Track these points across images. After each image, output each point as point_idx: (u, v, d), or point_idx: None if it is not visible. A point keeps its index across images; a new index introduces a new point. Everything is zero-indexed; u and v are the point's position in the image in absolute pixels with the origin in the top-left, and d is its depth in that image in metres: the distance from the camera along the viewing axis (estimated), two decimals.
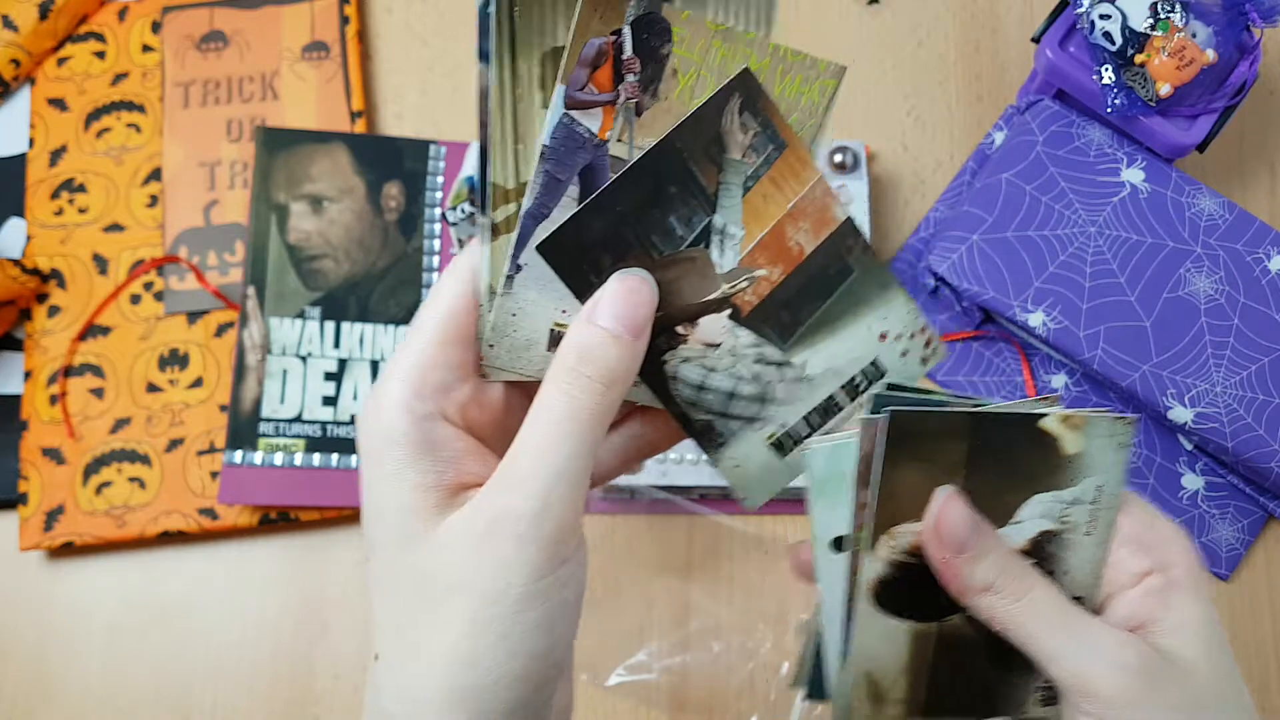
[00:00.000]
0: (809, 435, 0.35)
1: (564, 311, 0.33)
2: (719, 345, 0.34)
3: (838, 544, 0.33)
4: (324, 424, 0.66)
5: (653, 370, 0.34)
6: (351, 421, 0.67)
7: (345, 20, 0.73)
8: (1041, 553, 0.33)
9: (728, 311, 0.34)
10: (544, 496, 0.29)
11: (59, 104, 0.73)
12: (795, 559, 0.38)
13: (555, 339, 0.33)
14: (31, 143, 0.72)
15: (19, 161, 0.72)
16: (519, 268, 0.32)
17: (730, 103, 0.32)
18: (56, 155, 0.72)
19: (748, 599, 0.65)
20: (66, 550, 0.67)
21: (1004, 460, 0.32)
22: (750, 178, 0.32)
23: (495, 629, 0.29)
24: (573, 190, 0.32)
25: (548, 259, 0.32)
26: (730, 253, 0.33)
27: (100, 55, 0.74)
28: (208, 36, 0.73)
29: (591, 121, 0.31)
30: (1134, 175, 0.64)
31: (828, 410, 0.35)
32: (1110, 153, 0.65)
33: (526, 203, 0.32)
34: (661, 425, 0.37)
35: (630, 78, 0.31)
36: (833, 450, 0.32)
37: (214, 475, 0.67)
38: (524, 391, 0.34)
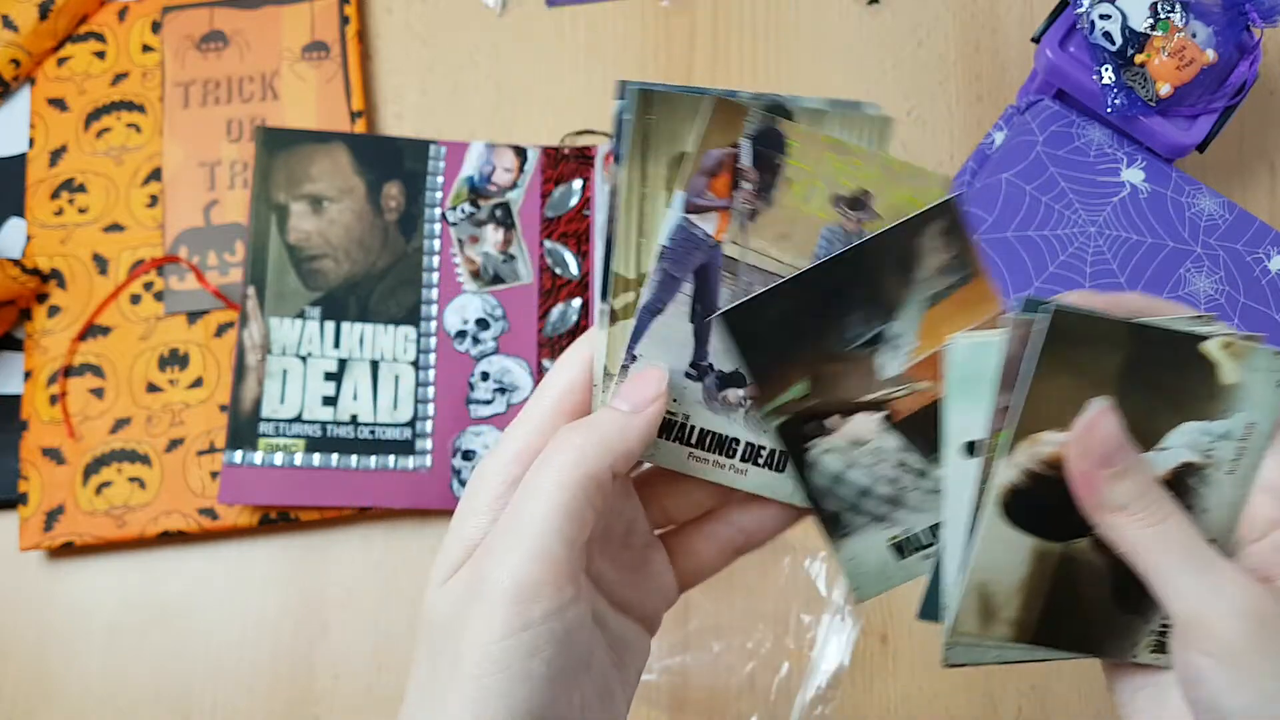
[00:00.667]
0: (930, 545, 0.36)
1: (674, 401, 0.35)
2: (865, 443, 0.35)
3: (970, 448, 0.33)
4: (324, 424, 0.66)
5: (796, 453, 0.35)
6: (352, 421, 0.67)
7: (345, 20, 0.73)
8: (1181, 485, 0.32)
9: (882, 414, 0.35)
10: (506, 550, 0.30)
11: (59, 104, 0.73)
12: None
13: (665, 425, 0.35)
14: (31, 143, 0.72)
15: (19, 161, 0.72)
16: (634, 358, 0.34)
17: (931, 225, 0.33)
18: (56, 155, 0.72)
19: (748, 599, 0.65)
20: (66, 550, 0.67)
21: (1158, 380, 0.32)
22: (934, 296, 0.34)
23: (462, 691, 0.29)
24: (687, 287, 0.34)
25: (729, 327, 0.34)
26: (897, 361, 0.35)
27: (100, 55, 0.74)
28: (208, 36, 0.73)
29: (708, 224, 0.34)
30: (1134, 175, 0.64)
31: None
32: (1110, 153, 0.65)
33: (644, 297, 0.34)
34: (764, 517, 0.37)
35: (746, 185, 0.33)
36: (976, 347, 0.32)
37: (214, 475, 0.67)
38: (624, 480, 0.36)
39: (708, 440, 0.35)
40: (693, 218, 0.34)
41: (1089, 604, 0.34)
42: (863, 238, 0.34)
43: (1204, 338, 0.31)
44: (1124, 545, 0.31)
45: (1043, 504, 0.32)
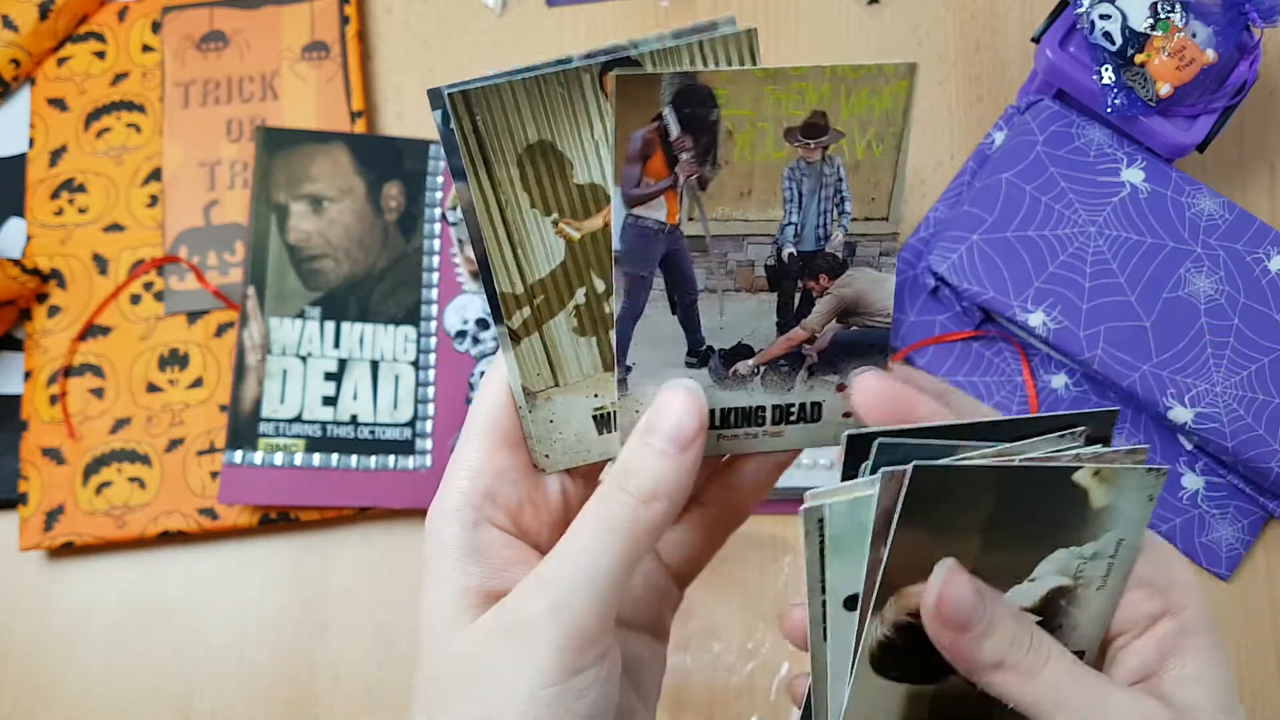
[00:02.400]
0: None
1: (596, 395, 0.34)
2: None
3: (851, 602, 0.31)
4: (324, 424, 0.66)
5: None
6: (352, 421, 0.67)
7: (345, 20, 0.73)
8: (1052, 608, 0.31)
9: None
10: (559, 599, 0.29)
11: (59, 104, 0.73)
12: (788, 622, 0.36)
13: (602, 422, 0.34)
14: (31, 143, 0.72)
15: (19, 161, 0.72)
16: (629, 369, 0.32)
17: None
18: (56, 155, 0.72)
19: (748, 599, 0.65)
20: (66, 550, 0.67)
21: (1028, 516, 0.30)
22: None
23: None
24: (658, 282, 0.31)
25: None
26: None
27: (100, 55, 0.74)
28: (208, 36, 0.73)
29: (656, 212, 0.31)
30: (1134, 175, 0.64)
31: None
32: (1110, 153, 0.65)
33: (617, 308, 0.31)
34: (727, 492, 0.36)
35: (685, 156, 0.30)
36: (852, 505, 0.30)
37: (214, 475, 0.67)
38: (585, 487, 0.35)
39: (733, 417, 0.33)
40: (638, 211, 0.30)
41: None
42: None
43: (1075, 469, 0.29)
44: (1012, 702, 0.31)
45: (913, 653, 0.31)
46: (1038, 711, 0.30)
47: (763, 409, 0.33)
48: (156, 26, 0.74)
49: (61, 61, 0.74)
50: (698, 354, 0.33)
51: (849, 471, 0.30)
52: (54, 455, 0.67)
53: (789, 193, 0.31)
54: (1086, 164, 0.64)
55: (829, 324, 0.33)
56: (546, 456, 0.34)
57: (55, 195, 0.71)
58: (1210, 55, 0.61)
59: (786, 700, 0.63)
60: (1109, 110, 0.63)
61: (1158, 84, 0.62)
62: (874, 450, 0.30)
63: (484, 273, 0.32)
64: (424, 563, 0.33)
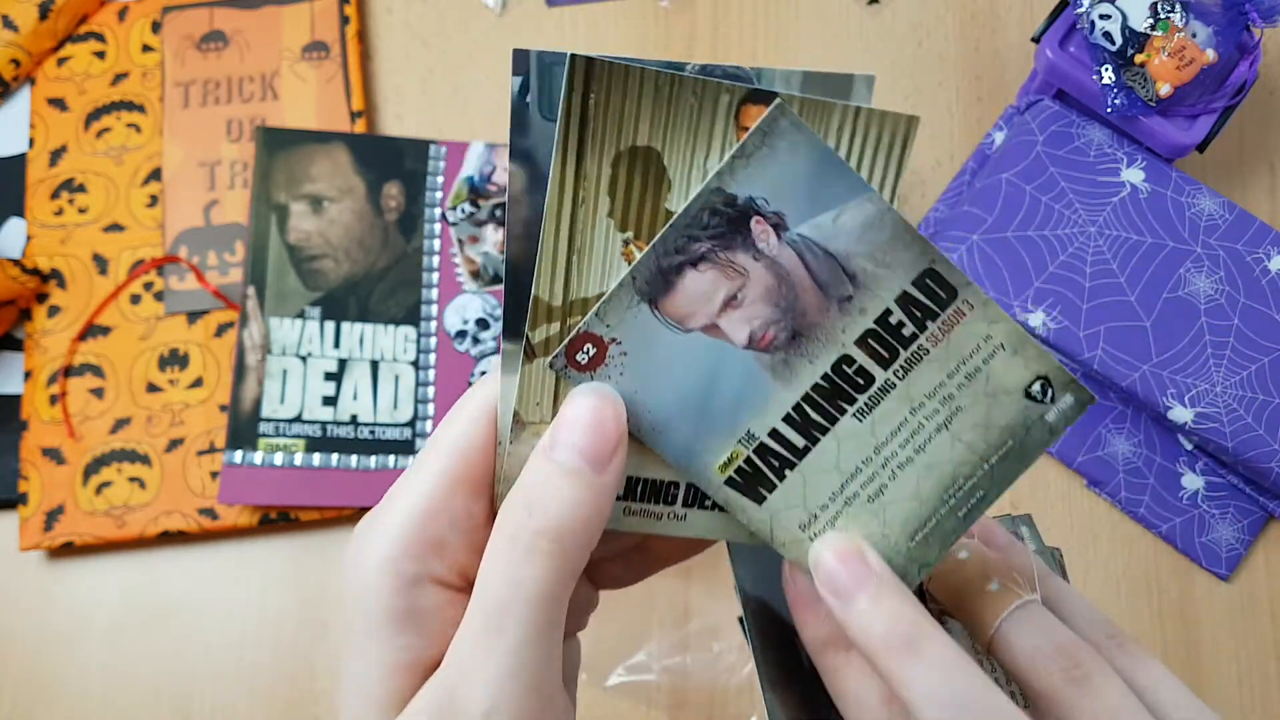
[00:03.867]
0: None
1: None
2: None
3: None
4: (324, 424, 0.66)
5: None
6: (352, 421, 0.67)
7: (345, 20, 0.73)
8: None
9: None
10: (487, 701, 0.24)
11: (59, 104, 0.73)
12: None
13: None
14: (31, 143, 0.72)
15: (19, 161, 0.72)
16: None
17: None
18: (56, 155, 0.72)
19: None
20: (66, 550, 0.67)
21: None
22: None
23: None
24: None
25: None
26: None
27: (100, 55, 0.74)
28: (208, 36, 0.73)
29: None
30: (1134, 175, 0.64)
31: None
32: (1110, 153, 0.65)
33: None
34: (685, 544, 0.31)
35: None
36: None
37: (214, 475, 0.67)
38: None
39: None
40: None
41: None
42: None
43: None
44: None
45: None
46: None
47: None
48: (156, 26, 0.74)
49: (61, 61, 0.74)
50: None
51: None
52: (54, 455, 0.67)
53: None
54: (1086, 164, 0.64)
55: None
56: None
57: (55, 195, 0.71)
58: (1210, 55, 0.61)
59: None
60: (1109, 110, 0.63)
61: (1158, 84, 0.62)
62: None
63: (511, 273, 0.27)
64: (344, 624, 0.27)
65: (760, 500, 0.28)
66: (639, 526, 0.29)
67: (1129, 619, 0.65)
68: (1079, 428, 0.66)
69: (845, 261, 0.27)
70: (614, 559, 0.32)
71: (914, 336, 0.27)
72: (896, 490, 0.28)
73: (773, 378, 0.27)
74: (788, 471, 0.28)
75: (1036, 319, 0.63)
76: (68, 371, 0.68)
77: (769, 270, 0.26)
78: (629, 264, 0.27)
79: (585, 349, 0.27)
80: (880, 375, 0.27)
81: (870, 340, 0.27)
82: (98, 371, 0.68)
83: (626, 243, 0.27)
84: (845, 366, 0.27)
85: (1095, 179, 0.64)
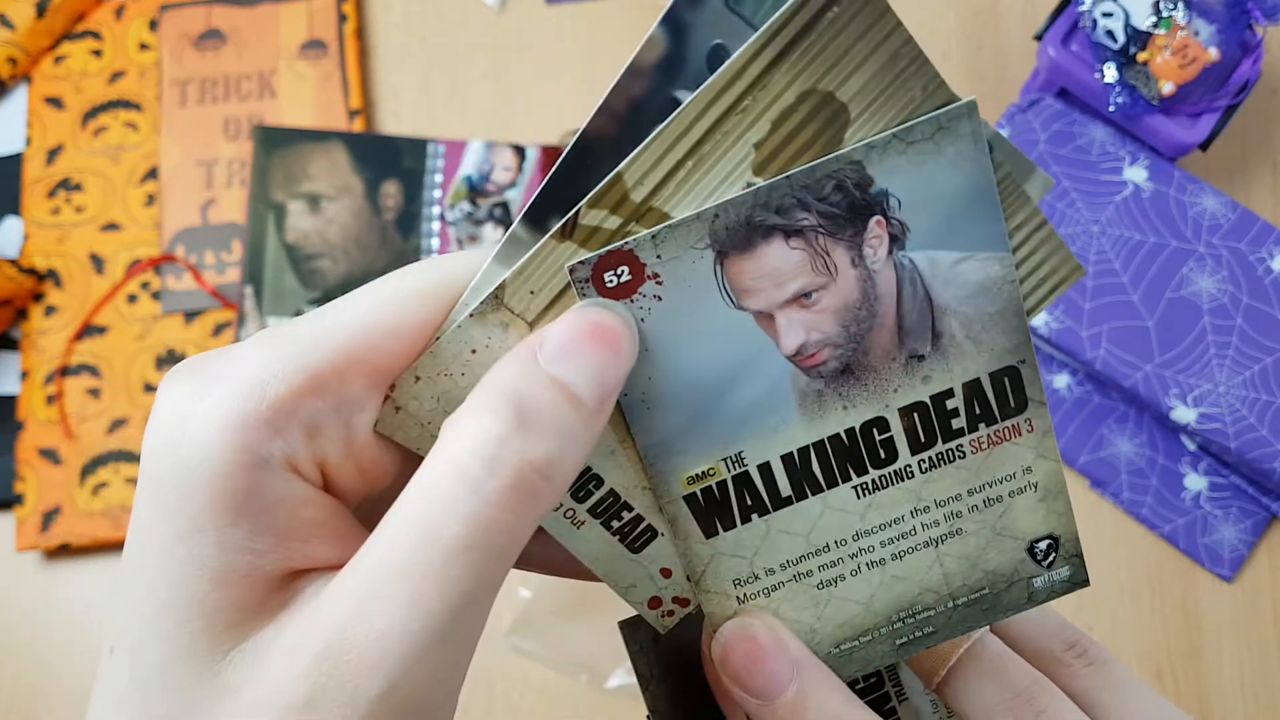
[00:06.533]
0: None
1: None
2: None
3: None
4: None
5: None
6: None
7: (343, 18, 0.73)
8: None
9: None
10: (402, 668, 0.18)
11: (56, 102, 0.72)
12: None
13: None
14: (28, 141, 0.72)
15: (16, 160, 0.72)
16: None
17: None
18: (53, 154, 0.72)
19: None
20: (63, 551, 0.67)
21: None
22: None
23: None
24: None
25: None
26: None
27: (97, 54, 0.73)
28: (205, 35, 0.73)
29: None
30: (1137, 174, 0.64)
31: None
32: (1113, 151, 0.64)
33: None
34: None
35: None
36: None
37: None
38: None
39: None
40: None
41: None
42: None
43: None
44: None
45: None
46: None
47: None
48: (154, 25, 0.73)
49: (59, 60, 0.73)
50: None
51: None
52: (50, 456, 0.67)
53: None
54: (1089, 163, 0.64)
55: None
56: (418, 380, 0.22)
57: (52, 194, 0.71)
58: (1213, 53, 0.61)
59: None
60: (1111, 109, 0.62)
61: (1160, 82, 0.61)
62: None
63: (577, 148, 0.21)
64: (148, 489, 0.19)
65: (710, 534, 0.24)
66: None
67: (1131, 620, 0.65)
68: (1081, 428, 0.66)
69: (939, 315, 0.23)
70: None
71: (960, 433, 0.24)
72: (851, 589, 0.24)
73: (798, 406, 0.23)
74: (755, 516, 0.24)
75: (1039, 319, 0.62)
76: (64, 371, 0.68)
77: (859, 284, 0.22)
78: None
79: (619, 271, 0.21)
80: (905, 458, 0.24)
81: (916, 414, 0.23)
82: (94, 371, 0.68)
83: (750, 185, 0.22)
84: (876, 431, 0.23)
85: (1098, 178, 0.64)
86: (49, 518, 0.66)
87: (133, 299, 0.69)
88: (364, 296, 0.21)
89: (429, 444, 0.21)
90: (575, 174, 0.21)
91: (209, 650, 0.18)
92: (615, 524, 0.24)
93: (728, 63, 0.21)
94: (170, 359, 0.68)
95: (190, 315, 0.69)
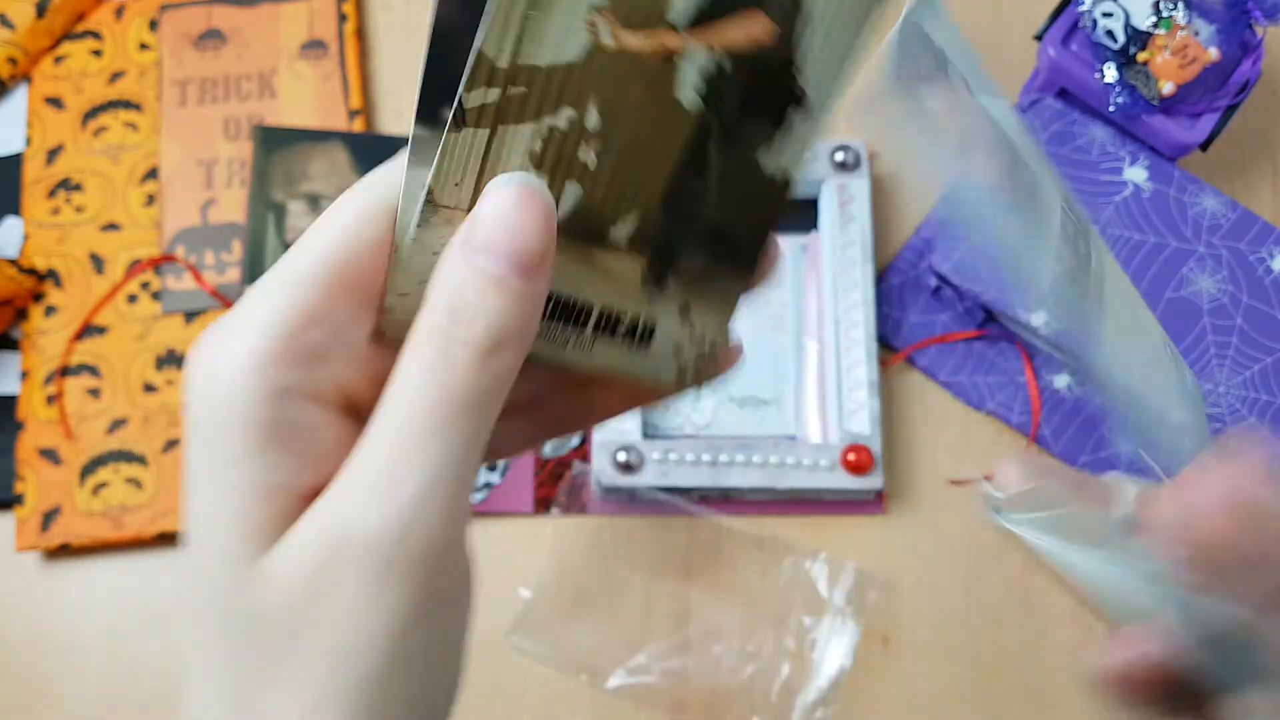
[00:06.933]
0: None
1: None
2: None
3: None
4: None
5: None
6: None
7: (343, 18, 0.73)
8: None
9: None
10: (408, 515, 0.21)
11: (56, 103, 0.72)
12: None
13: None
14: (28, 141, 0.72)
15: (15, 161, 0.72)
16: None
17: None
18: (53, 154, 0.72)
19: (748, 601, 0.65)
20: (63, 551, 0.67)
21: None
22: None
23: (349, 701, 0.21)
24: None
25: None
26: None
27: (97, 54, 0.73)
28: (205, 34, 0.73)
29: None
30: (1137, 174, 0.64)
31: None
32: (1113, 151, 0.64)
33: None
34: (577, 396, 0.28)
35: None
36: None
37: None
38: None
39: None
40: None
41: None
42: None
43: None
44: None
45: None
46: None
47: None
48: (154, 25, 0.73)
49: (59, 60, 0.73)
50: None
51: None
52: (50, 456, 0.67)
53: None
54: (1089, 163, 0.64)
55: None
56: (405, 296, 0.24)
57: (52, 194, 0.71)
58: (1213, 53, 0.61)
59: (787, 703, 0.63)
60: (1111, 109, 0.62)
61: (1160, 82, 0.61)
62: None
63: (436, 37, 0.23)
64: (192, 433, 0.23)
65: None
66: (543, 351, 0.25)
67: None
68: (1081, 428, 0.66)
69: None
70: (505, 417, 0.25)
71: None
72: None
73: None
74: None
75: (1039, 318, 0.62)
76: (64, 371, 0.68)
77: None
78: (592, 32, 0.22)
79: None
80: None
81: None
82: (94, 371, 0.68)
83: (597, 8, 0.22)
84: None
85: (1098, 178, 0.64)
86: (49, 518, 0.66)
87: (133, 299, 0.69)
88: (324, 231, 0.23)
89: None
90: (443, 59, 0.23)
91: (249, 553, 0.22)
92: (618, 334, 0.26)
93: None
94: (170, 359, 0.68)
95: (190, 315, 0.69)
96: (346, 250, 0.23)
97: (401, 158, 0.24)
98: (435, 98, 0.23)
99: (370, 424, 0.22)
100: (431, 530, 0.21)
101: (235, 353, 0.22)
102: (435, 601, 0.22)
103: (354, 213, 0.23)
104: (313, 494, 0.22)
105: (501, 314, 0.22)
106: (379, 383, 0.23)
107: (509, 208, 0.22)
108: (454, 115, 0.23)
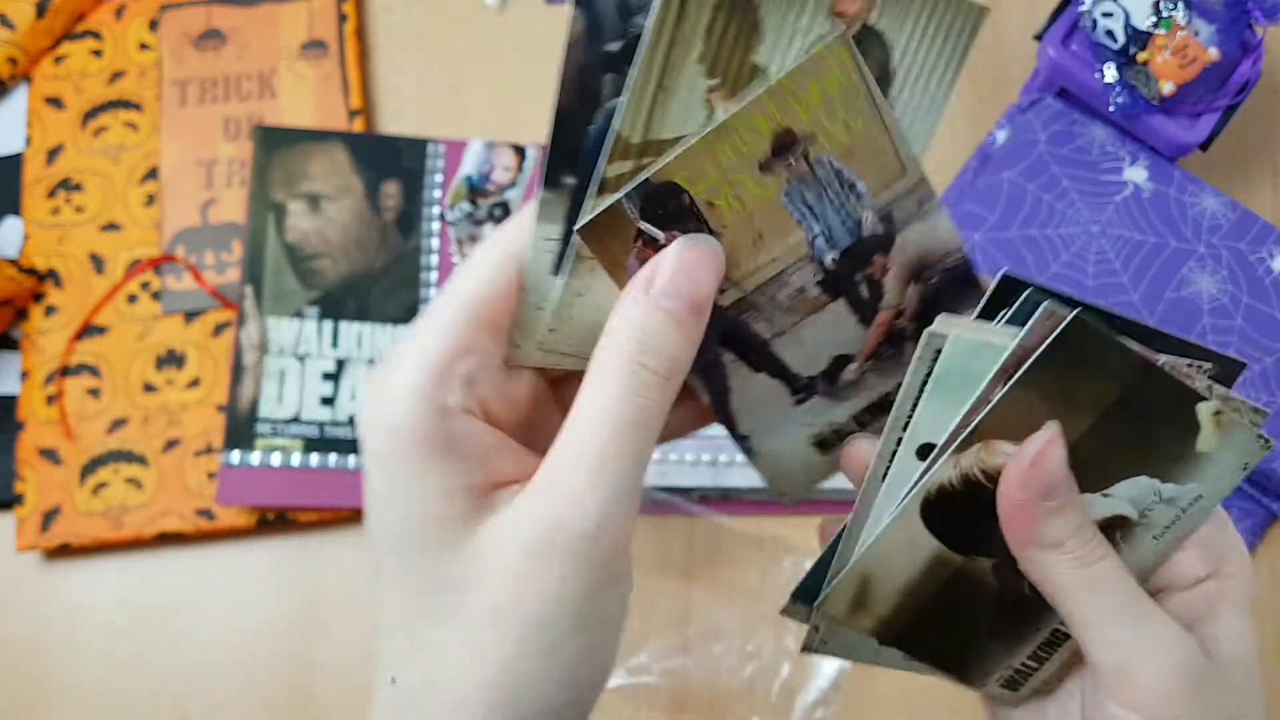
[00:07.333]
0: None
1: None
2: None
3: (925, 452, 0.30)
4: (322, 424, 0.66)
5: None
6: (350, 423, 0.66)
7: (343, 18, 0.73)
8: (1107, 535, 0.30)
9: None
10: (602, 514, 0.26)
11: (56, 103, 0.72)
12: (847, 455, 0.34)
13: None
14: (28, 141, 0.72)
15: (16, 160, 0.72)
16: (747, 439, 0.31)
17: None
18: (53, 154, 0.71)
19: (748, 601, 0.65)
20: (63, 551, 0.67)
21: (1139, 423, 0.29)
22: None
23: (542, 658, 0.26)
24: (728, 355, 0.31)
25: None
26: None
27: (97, 54, 0.73)
28: (205, 34, 0.73)
29: None
30: (1137, 174, 0.64)
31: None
32: (1113, 151, 0.64)
33: (704, 398, 0.31)
34: (683, 410, 0.33)
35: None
36: (977, 349, 0.28)
37: (211, 476, 0.66)
38: (547, 380, 0.31)
39: (868, 414, 0.33)
40: None
41: (962, 625, 0.32)
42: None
43: (1204, 398, 0.28)
44: (1051, 585, 0.29)
45: (966, 513, 0.30)
46: (1076, 605, 0.29)
47: (892, 392, 0.32)
48: (154, 25, 0.73)
49: (59, 60, 0.73)
50: (801, 388, 0.32)
51: (986, 315, 0.29)
52: (50, 456, 0.67)
53: (798, 213, 0.29)
54: (1089, 163, 0.64)
55: (908, 290, 0.32)
56: (553, 332, 0.29)
57: (52, 194, 0.71)
58: (1213, 53, 0.61)
59: (787, 703, 0.63)
60: (1112, 109, 0.62)
61: (1160, 82, 0.61)
62: (1021, 299, 0.28)
63: (558, 121, 0.27)
64: (373, 460, 0.27)
65: None
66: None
67: None
68: None
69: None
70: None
71: None
72: None
73: None
74: None
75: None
76: (64, 371, 0.68)
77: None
78: (710, 109, 0.27)
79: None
80: None
81: None
82: (94, 371, 0.68)
83: (712, 88, 0.27)
84: None
85: (1098, 178, 0.64)
86: (49, 518, 0.66)
87: (133, 299, 0.69)
88: (469, 276, 0.28)
89: (553, 360, 0.30)
90: (564, 140, 0.27)
91: (450, 538, 0.27)
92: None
93: (653, 13, 0.26)
94: (170, 359, 0.68)
95: (190, 315, 0.69)
96: (483, 295, 0.28)
97: (521, 215, 0.28)
98: (559, 168, 0.27)
99: (564, 435, 0.26)
100: (618, 527, 0.26)
101: (400, 383, 0.27)
102: (611, 585, 0.27)
103: (488, 263, 0.28)
104: (485, 489, 0.27)
105: (679, 348, 0.27)
106: (508, 398, 0.29)
107: (693, 262, 0.27)
108: (600, 184, 0.27)
